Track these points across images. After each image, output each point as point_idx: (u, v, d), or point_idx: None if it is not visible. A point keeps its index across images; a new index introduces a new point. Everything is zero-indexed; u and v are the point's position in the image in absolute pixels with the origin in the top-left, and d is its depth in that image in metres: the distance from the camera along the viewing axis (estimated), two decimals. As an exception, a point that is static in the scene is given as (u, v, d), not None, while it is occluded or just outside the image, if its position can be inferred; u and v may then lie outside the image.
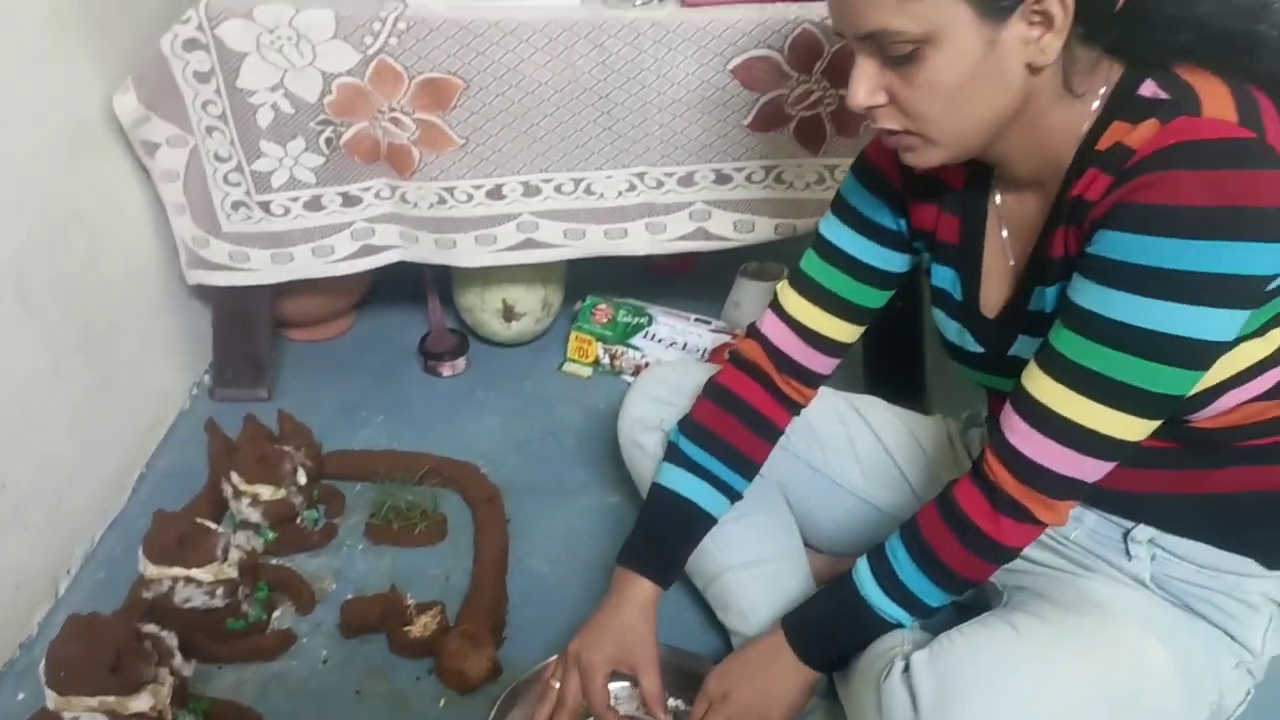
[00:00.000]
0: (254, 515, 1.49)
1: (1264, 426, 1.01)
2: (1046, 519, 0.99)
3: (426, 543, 1.54)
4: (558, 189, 1.63)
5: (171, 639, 1.25)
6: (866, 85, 0.94)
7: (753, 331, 1.27)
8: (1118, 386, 0.92)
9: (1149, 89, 0.91)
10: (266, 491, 1.49)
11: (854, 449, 1.37)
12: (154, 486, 1.65)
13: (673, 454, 1.27)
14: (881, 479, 1.36)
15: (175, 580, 1.33)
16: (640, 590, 1.23)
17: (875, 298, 1.22)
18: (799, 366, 1.25)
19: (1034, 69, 0.91)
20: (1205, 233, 0.85)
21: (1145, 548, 1.11)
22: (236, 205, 1.64)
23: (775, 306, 1.26)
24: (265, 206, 1.64)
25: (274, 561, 1.49)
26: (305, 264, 1.70)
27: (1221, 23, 0.91)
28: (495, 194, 1.63)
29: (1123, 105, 0.93)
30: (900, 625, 1.11)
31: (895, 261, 1.20)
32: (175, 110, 1.56)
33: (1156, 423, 0.95)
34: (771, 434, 1.28)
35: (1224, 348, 0.91)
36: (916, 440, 1.37)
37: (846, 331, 1.24)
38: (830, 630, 1.15)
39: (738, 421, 1.25)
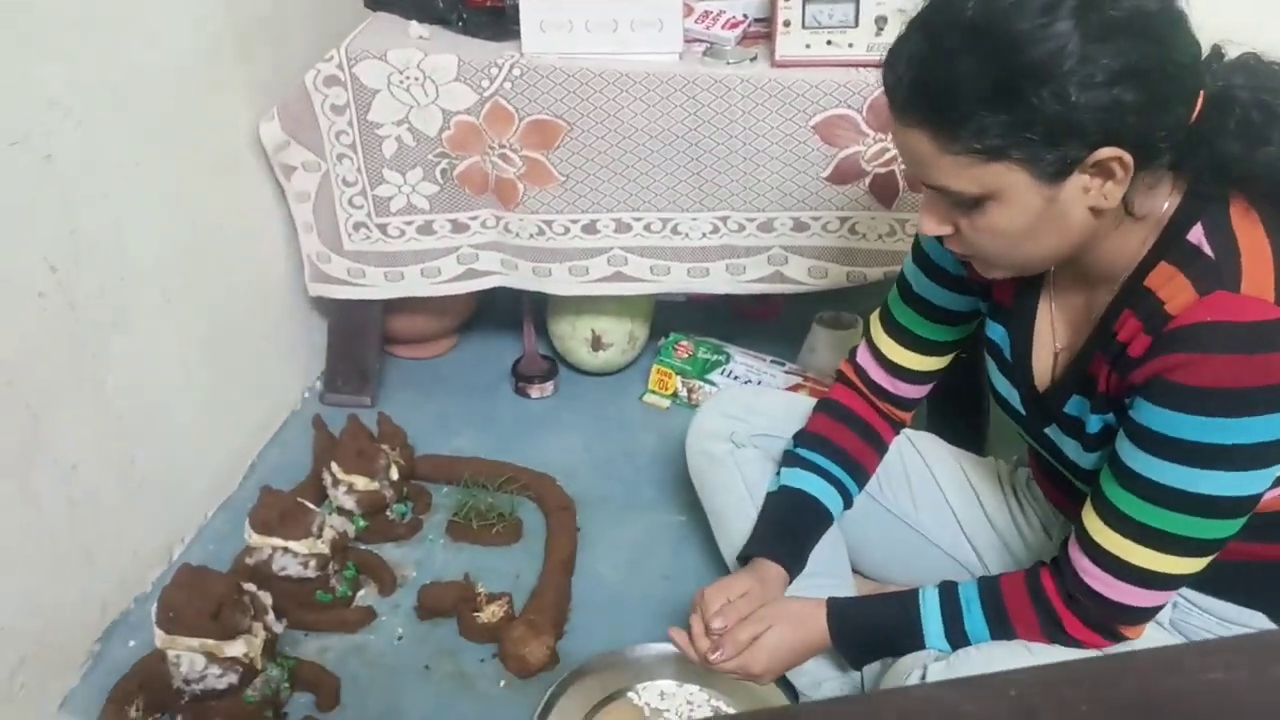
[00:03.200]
0: (349, 503, 1.64)
1: (1277, 515, 1.07)
2: (1133, 635, 1.10)
3: (502, 543, 1.66)
4: (647, 227, 1.76)
5: (266, 599, 1.39)
6: (934, 219, 1.04)
7: (851, 358, 1.40)
8: (1178, 539, 1.02)
9: (1196, 235, 0.97)
10: (361, 482, 1.63)
11: (909, 480, 1.45)
12: (263, 475, 1.81)
13: (792, 460, 1.38)
14: (932, 511, 1.44)
15: (274, 550, 1.47)
16: (773, 569, 1.30)
17: (951, 333, 1.32)
18: (889, 394, 1.37)
19: (1097, 212, 0.97)
20: (1237, 411, 0.94)
21: None
22: (358, 226, 1.82)
23: (868, 338, 1.38)
24: (383, 229, 1.81)
25: (363, 547, 1.63)
26: (414, 283, 1.86)
27: (1277, 169, 0.96)
28: (590, 229, 1.77)
29: (1172, 245, 0.99)
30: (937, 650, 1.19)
31: (964, 303, 1.28)
32: (312, 138, 1.75)
33: (1217, 553, 1.03)
34: (879, 444, 1.40)
35: (1265, 492, 1.00)
36: (967, 478, 1.45)
37: (930, 363, 1.35)
38: (874, 634, 1.23)
39: (849, 430, 1.38)
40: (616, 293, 1.84)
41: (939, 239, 1.06)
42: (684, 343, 2.02)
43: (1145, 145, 0.93)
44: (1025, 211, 0.96)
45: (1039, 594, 1.13)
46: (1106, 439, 1.08)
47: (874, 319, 1.37)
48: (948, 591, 1.19)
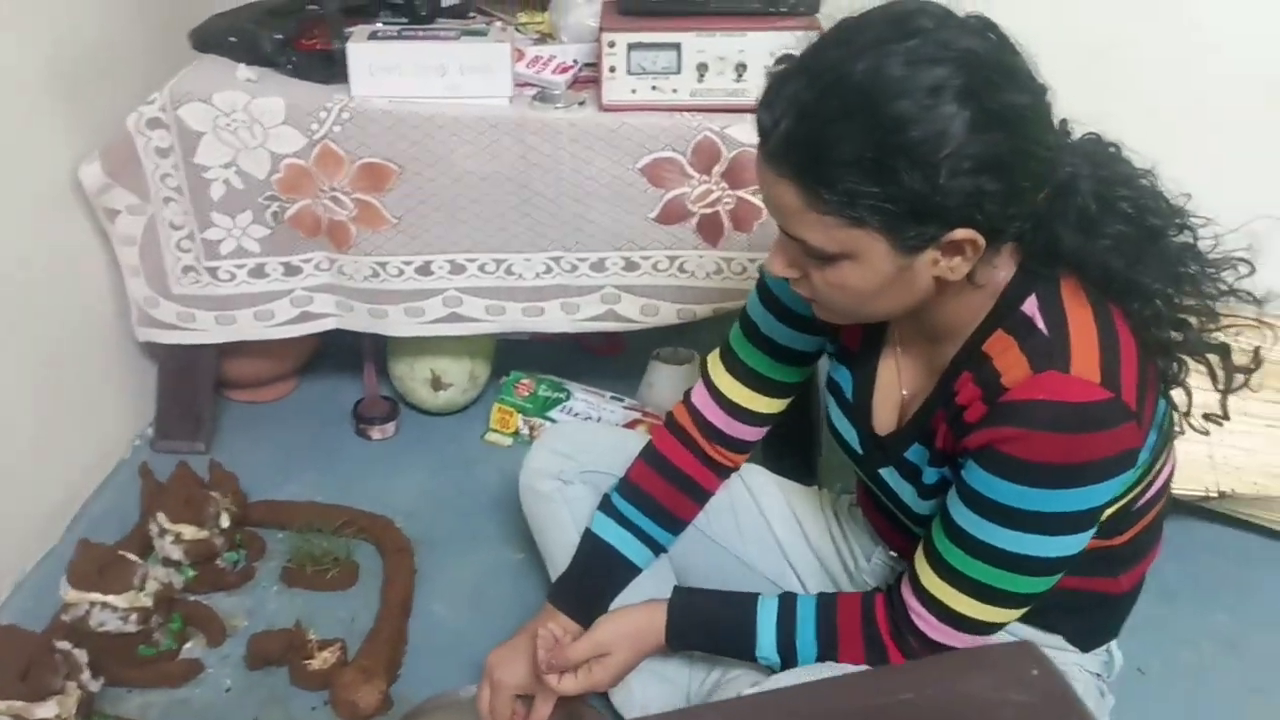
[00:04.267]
0: (176, 553, 1.60)
1: (1087, 552, 1.14)
2: None
3: (337, 587, 1.65)
4: (481, 268, 1.78)
5: (82, 656, 1.35)
6: (783, 261, 1.06)
7: (686, 399, 1.39)
8: (999, 592, 1.09)
9: (1030, 307, 1.02)
10: (189, 531, 1.60)
11: (734, 511, 1.48)
12: (88, 527, 1.75)
13: (607, 507, 1.39)
14: (756, 539, 1.48)
15: (92, 604, 1.43)
16: (566, 622, 1.33)
17: (796, 374, 1.34)
18: (725, 435, 1.37)
19: (942, 281, 1.02)
20: (1061, 484, 1.00)
21: None
22: (187, 270, 1.79)
23: (705, 378, 1.37)
24: (213, 272, 1.79)
25: (191, 597, 1.60)
26: (247, 327, 1.84)
27: (1108, 260, 1.03)
28: (424, 270, 1.78)
29: (1007, 314, 1.04)
30: (766, 663, 1.24)
31: (811, 343, 1.30)
32: (136, 181, 1.72)
33: (1034, 604, 1.11)
34: (699, 494, 1.41)
35: (1081, 550, 1.07)
36: (791, 507, 1.50)
37: (771, 405, 1.35)
38: (709, 632, 1.27)
39: (667, 483, 1.38)
40: (453, 333, 1.85)
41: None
42: (525, 381, 2.04)
43: (997, 229, 0.98)
44: (876, 274, 1.00)
45: (870, 620, 1.18)
46: (940, 489, 1.13)
47: (713, 359, 1.37)
48: (787, 603, 1.24)
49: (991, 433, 1.01)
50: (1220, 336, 1.10)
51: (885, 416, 1.22)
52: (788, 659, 1.22)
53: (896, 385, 1.21)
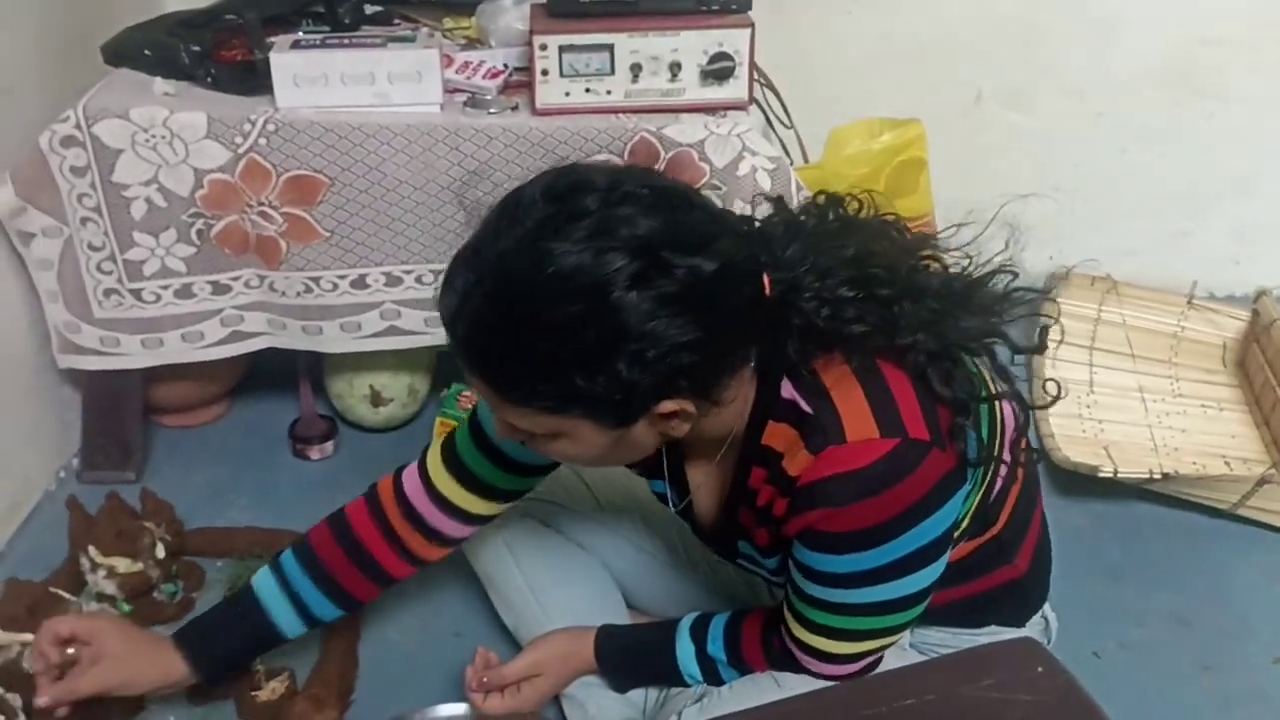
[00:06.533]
0: (109, 588, 1.54)
1: (967, 560, 1.15)
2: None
3: (282, 615, 1.59)
4: (418, 280, 1.74)
5: (16, 700, 1.29)
6: (503, 430, 1.02)
7: (396, 477, 1.31)
8: (869, 632, 1.09)
9: (789, 390, 1.00)
10: (123, 564, 1.54)
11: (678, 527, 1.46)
12: (12, 567, 1.66)
13: (275, 565, 1.31)
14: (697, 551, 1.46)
15: (24, 646, 1.36)
16: (176, 660, 1.28)
17: (521, 483, 1.28)
18: (431, 529, 1.29)
19: (669, 436, 1.00)
20: (885, 540, 0.99)
21: None
22: (109, 293, 1.72)
23: (424, 471, 1.29)
24: (137, 294, 1.72)
25: (129, 633, 1.53)
26: (175, 349, 1.77)
27: (859, 347, 0.99)
28: (359, 284, 1.74)
29: (771, 403, 1.01)
30: (690, 679, 1.24)
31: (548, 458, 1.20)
32: (51, 202, 1.65)
33: (911, 626, 1.12)
34: (380, 577, 1.32)
35: (938, 578, 1.06)
36: None
37: (488, 507, 1.29)
38: (636, 662, 1.28)
39: (348, 560, 1.30)
40: (391, 347, 1.81)
41: None
42: (467, 393, 2.00)
43: (708, 389, 0.96)
44: (595, 446, 0.98)
45: (770, 649, 1.19)
46: (787, 563, 1.12)
47: (434, 455, 1.28)
48: (700, 622, 1.24)
49: (803, 519, 1.00)
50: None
51: (709, 514, 1.20)
52: (710, 675, 1.23)
53: (705, 486, 1.18)
